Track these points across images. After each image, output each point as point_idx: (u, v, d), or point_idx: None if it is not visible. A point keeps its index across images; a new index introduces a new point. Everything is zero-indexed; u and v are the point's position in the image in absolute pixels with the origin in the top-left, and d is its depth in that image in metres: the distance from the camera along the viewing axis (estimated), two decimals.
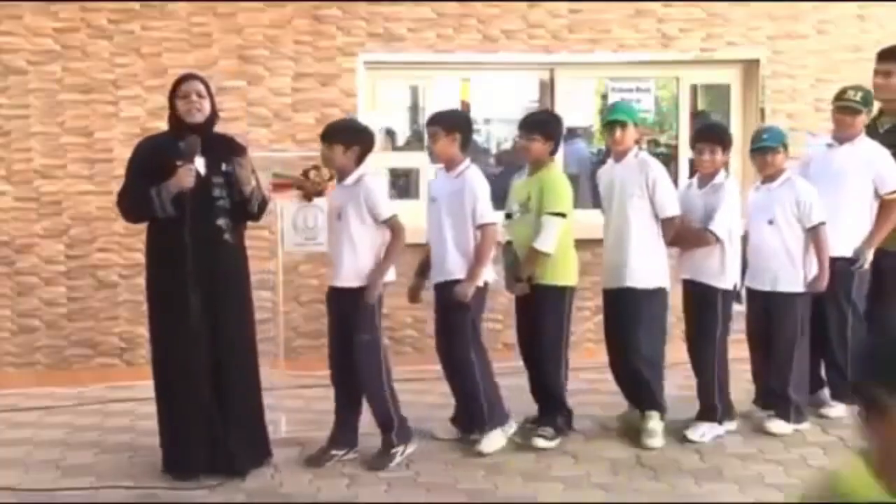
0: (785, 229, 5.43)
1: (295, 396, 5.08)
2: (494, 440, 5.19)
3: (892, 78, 5.78)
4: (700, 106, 8.80)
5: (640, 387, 5.41)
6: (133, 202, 4.78)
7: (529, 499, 4.69)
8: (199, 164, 4.74)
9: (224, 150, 4.85)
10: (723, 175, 5.46)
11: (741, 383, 5.77)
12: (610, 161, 5.54)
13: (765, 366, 5.62)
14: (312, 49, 6.80)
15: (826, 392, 5.85)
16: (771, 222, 5.45)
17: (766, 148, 5.46)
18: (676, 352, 5.74)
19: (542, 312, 5.28)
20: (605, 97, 7.79)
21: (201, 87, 4.79)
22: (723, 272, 5.38)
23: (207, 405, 4.75)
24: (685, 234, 5.40)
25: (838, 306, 5.68)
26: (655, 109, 8.71)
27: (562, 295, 5.29)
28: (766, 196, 5.52)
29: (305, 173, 5.06)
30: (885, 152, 5.67)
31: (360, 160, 4.97)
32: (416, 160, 7.15)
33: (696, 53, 7.23)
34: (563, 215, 5.20)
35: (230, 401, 4.81)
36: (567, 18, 7.04)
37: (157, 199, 4.66)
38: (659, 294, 5.36)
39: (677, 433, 5.47)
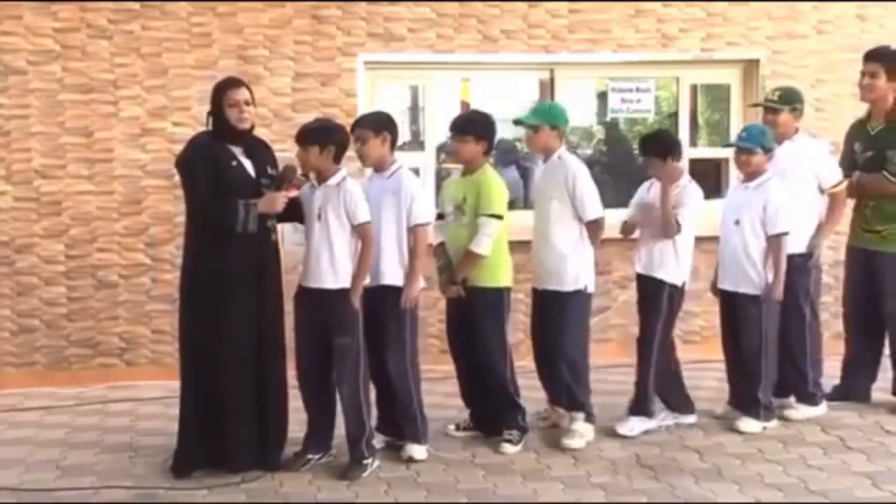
0: (748, 232, 5.47)
1: (295, 396, 5.08)
2: (419, 453, 5.15)
3: (878, 79, 5.80)
4: (700, 106, 8.80)
5: (562, 388, 5.43)
6: (217, 214, 4.79)
7: (529, 499, 4.69)
8: (248, 166, 4.89)
9: (266, 153, 5.04)
10: (686, 178, 5.51)
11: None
12: (540, 161, 5.58)
13: (732, 366, 5.69)
14: (312, 49, 6.80)
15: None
16: (737, 223, 5.50)
17: (739, 148, 5.55)
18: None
19: (480, 316, 5.25)
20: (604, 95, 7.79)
21: (248, 96, 4.89)
22: (666, 267, 5.43)
23: (253, 403, 4.86)
24: (653, 217, 5.40)
25: (797, 304, 5.67)
26: (655, 109, 8.70)
27: (499, 297, 5.27)
28: (740, 196, 5.61)
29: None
30: (824, 148, 5.76)
31: (337, 159, 4.96)
32: (415, 160, 7.14)
33: (696, 53, 7.24)
34: (499, 217, 5.19)
35: (273, 398, 4.94)
36: (567, 18, 7.05)
37: (242, 214, 4.73)
38: (581, 296, 5.35)
39: (678, 432, 5.49)
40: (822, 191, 5.71)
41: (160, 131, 6.68)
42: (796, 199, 5.59)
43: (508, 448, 5.24)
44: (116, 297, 6.73)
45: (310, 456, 5.03)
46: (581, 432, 5.34)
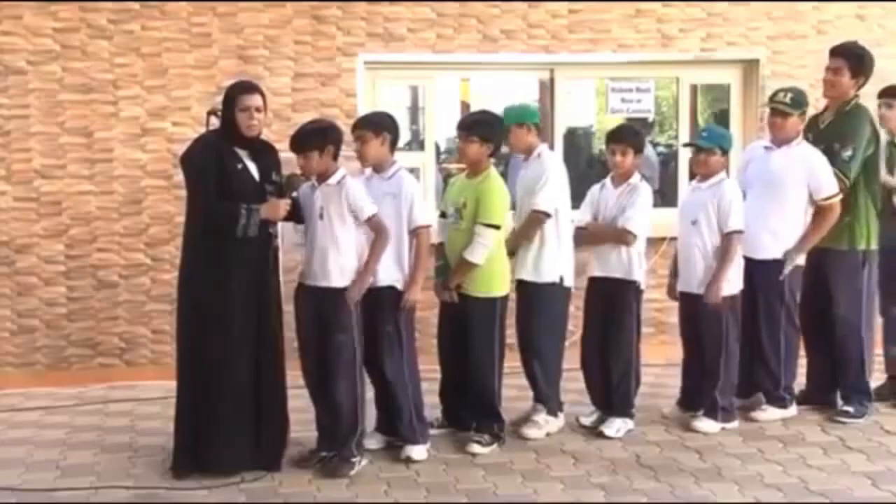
0: (705, 231, 5.46)
1: (295, 396, 5.08)
2: (419, 453, 5.15)
3: (841, 75, 5.70)
4: (700, 106, 8.81)
5: (529, 378, 5.48)
6: (219, 217, 4.79)
7: (529, 499, 4.69)
8: (253, 169, 4.89)
9: (272, 157, 5.03)
10: (637, 177, 5.53)
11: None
12: (521, 158, 5.62)
13: (691, 367, 5.68)
14: (312, 49, 6.80)
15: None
16: (694, 223, 5.50)
17: (698, 147, 5.55)
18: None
19: (472, 324, 5.24)
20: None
21: (260, 102, 4.88)
22: (631, 267, 5.44)
23: (252, 403, 4.87)
24: (603, 234, 5.45)
25: (770, 309, 5.62)
26: (655, 109, 8.71)
27: (492, 306, 5.25)
28: (695, 196, 5.60)
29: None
30: (822, 158, 5.56)
31: (335, 157, 4.97)
32: (415, 160, 7.14)
33: (696, 53, 7.24)
34: (496, 227, 5.18)
35: (271, 399, 4.94)
36: (567, 18, 7.05)
37: (245, 220, 4.73)
38: (554, 288, 5.38)
39: (678, 432, 5.49)
40: (812, 202, 5.56)
41: (160, 131, 6.68)
42: (783, 206, 5.54)
43: (476, 448, 5.22)
44: (116, 297, 6.73)
45: (323, 454, 5.03)
46: (540, 423, 5.38)
